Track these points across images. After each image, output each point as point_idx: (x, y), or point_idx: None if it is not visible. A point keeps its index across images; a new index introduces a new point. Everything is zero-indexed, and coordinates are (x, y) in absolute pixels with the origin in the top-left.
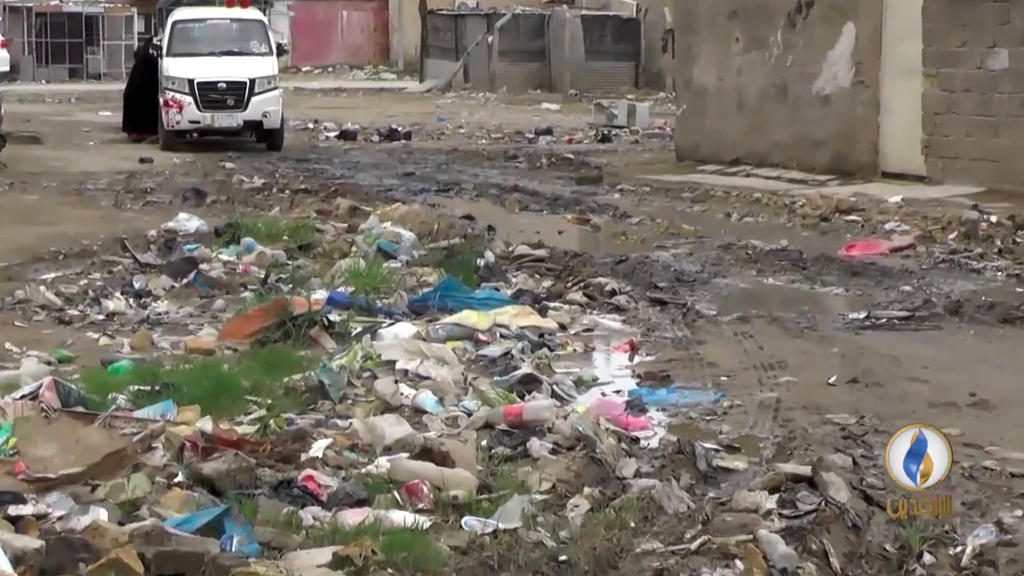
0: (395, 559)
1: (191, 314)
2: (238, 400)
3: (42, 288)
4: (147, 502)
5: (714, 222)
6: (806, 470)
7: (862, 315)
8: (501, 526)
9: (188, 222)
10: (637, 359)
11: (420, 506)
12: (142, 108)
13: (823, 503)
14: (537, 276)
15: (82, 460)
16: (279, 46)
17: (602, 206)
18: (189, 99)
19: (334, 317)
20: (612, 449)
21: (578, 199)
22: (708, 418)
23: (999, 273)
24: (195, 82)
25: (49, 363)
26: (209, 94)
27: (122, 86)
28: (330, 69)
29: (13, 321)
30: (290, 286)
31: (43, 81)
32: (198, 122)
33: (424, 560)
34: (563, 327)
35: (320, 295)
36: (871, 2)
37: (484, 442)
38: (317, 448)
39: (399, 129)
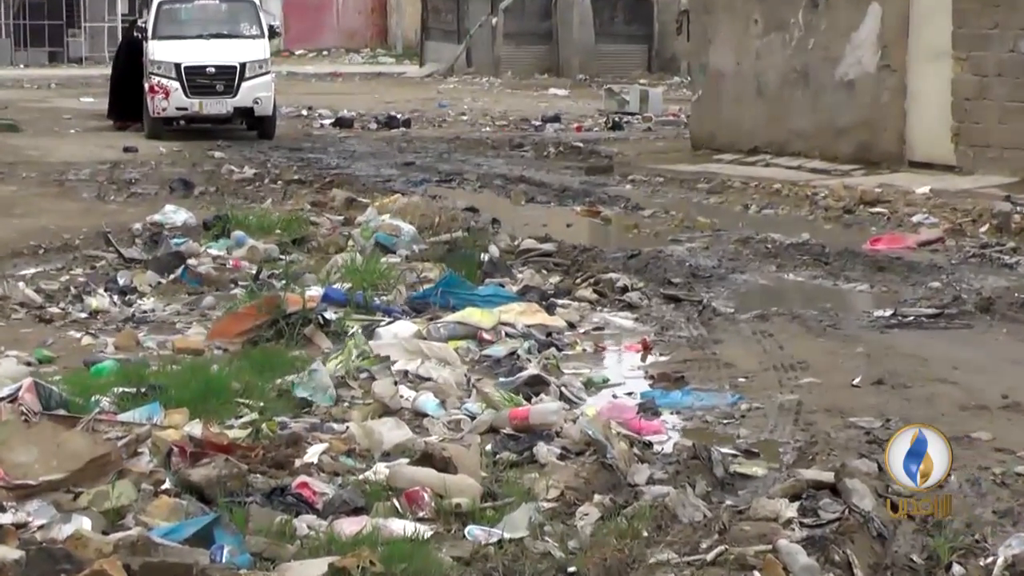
0: (394, 571)
1: (178, 312)
2: (228, 403)
3: (21, 285)
4: (133, 510)
5: (731, 214)
6: (829, 476)
7: (888, 313)
8: (506, 536)
9: (175, 215)
10: (650, 359)
11: (421, 515)
12: (126, 94)
13: (847, 511)
14: (544, 272)
15: (64, 466)
16: (271, 28)
17: (613, 198)
18: (176, 84)
19: (330, 315)
20: (624, 454)
21: (587, 190)
22: (725, 422)
23: None
24: (182, 66)
25: (29, 364)
26: (197, 79)
27: (105, 71)
28: (325, 53)
29: None
30: (283, 282)
31: (21, 65)
32: (185, 109)
33: (425, 572)
34: (572, 326)
35: (315, 292)
36: None
37: (488, 447)
38: (312, 453)
39: (398, 116)
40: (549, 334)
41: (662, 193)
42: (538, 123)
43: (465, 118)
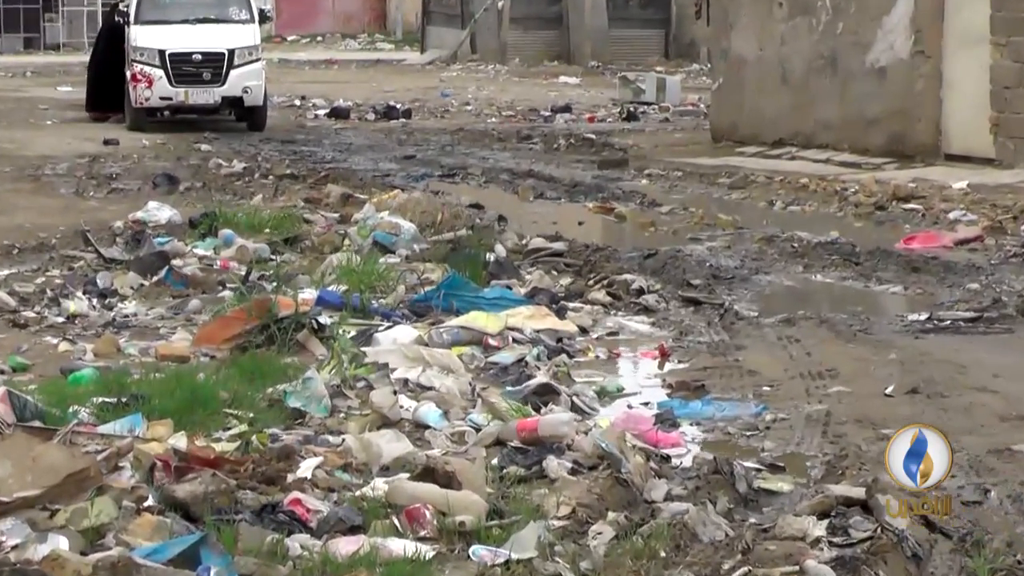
0: None
1: (162, 316)
2: (216, 414)
3: None
4: (113, 529)
5: (755, 211)
6: (860, 492)
7: (923, 316)
8: (514, 556)
9: (159, 212)
10: (668, 367)
11: (422, 533)
12: (107, 83)
13: (879, 530)
14: (554, 273)
15: (39, 482)
16: (262, 12)
17: (628, 193)
18: (160, 72)
19: (324, 319)
20: (639, 469)
21: (600, 185)
22: (748, 434)
23: None
24: (166, 53)
25: (2, 372)
26: (182, 67)
27: (84, 58)
28: (319, 38)
29: None
30: (274, 284)
31: None
32: (170, 98)
33: None
34: (584, 330)
35: (308, 295)
36: None
37: (494, 461)
38: (305, 468)
39: (397, 106)
40: (559, 340)
41: (680, 188)
42: (547, 113)
43: (469, 108)
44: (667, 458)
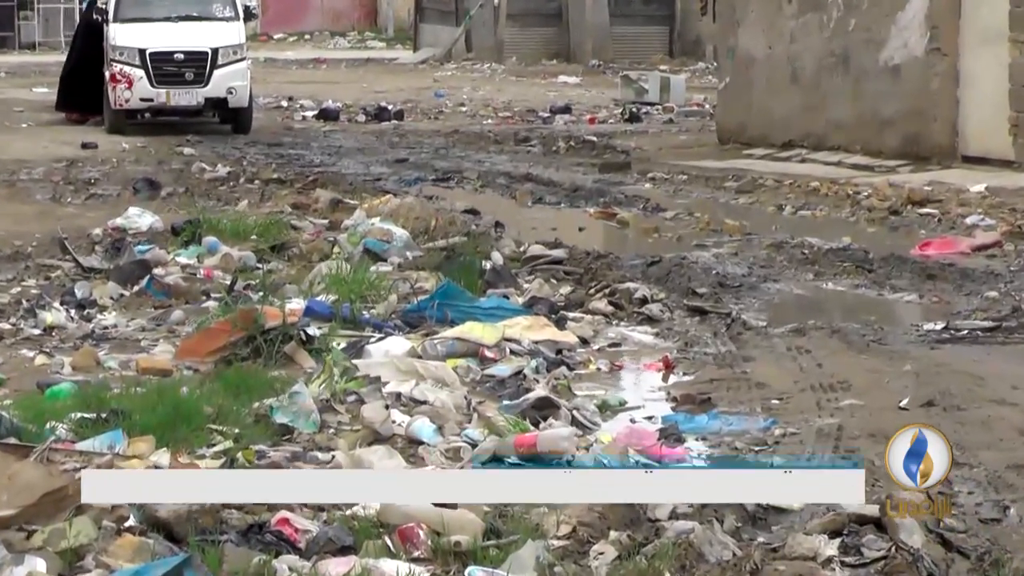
0: None
1: (143, 328)
2: (199, 430)
3: None
4: (93, 550)
5: (763, 216)
6: (873, 510)
7: (939, 326)
8: None
9: (139, 219)
10: (673, 379)
11: (416, 554)
12: (85, 83)
13: (893, 549)
14: (554, 281)
15: (16, 501)
16: (247, 9)
17: (630, 198)
18: (140, 72)
19: (313, 331)
20: None
21: (602, 190)
22: (757, 449)
23: None
24: (147, 52)
25: None
26: (164, 66)
27: (61, 58)
28: (307, 36)
29: None
30: (260, 294)
31: None
32: (151, 100)
33: None
34: (585, 341)
35: (296, 305)
36: None
37: None
38: None
39: (389, 107)
40: (559, 351)
41: (685, 192)
42: (546, 115)
43: (464, 109)
44: None
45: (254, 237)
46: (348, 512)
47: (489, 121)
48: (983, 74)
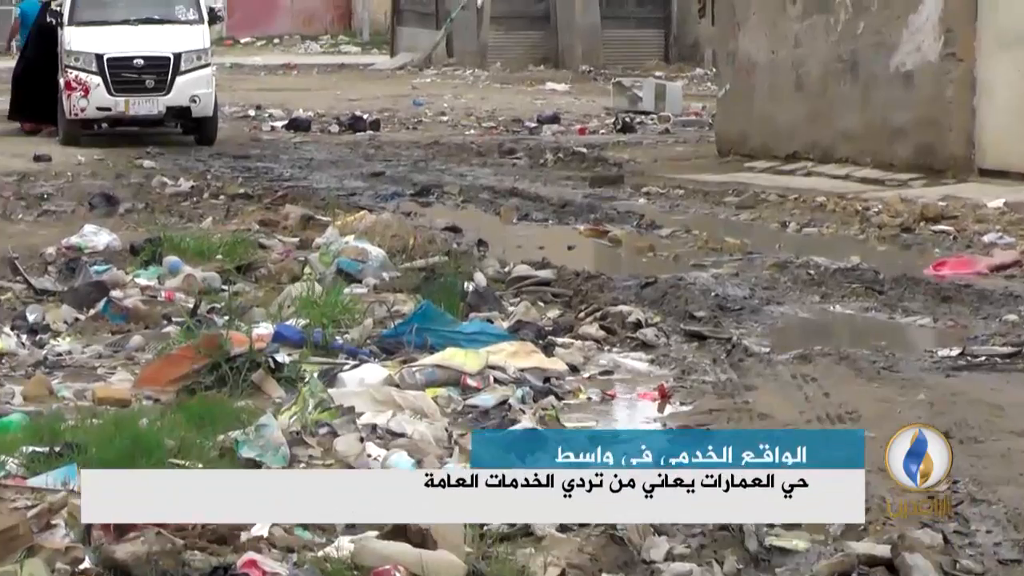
0: None
1: (100, 354)
2: (160, 464)
3: None
4: None
5: (766, 234)
6: (885, 550)
7: (955, 352)
8: None
9: (96, 237)
10: (669, 409)
11: None
12: (37, 91)
13: None
14: (541, 304)
15: None
16: (212, 12)
17: (623, 214)
18: (97, 80)
19: (282, 358)
20: (637, 525)
21: (593, 205)
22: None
23: None
24: (105, 58)
25: None
26: (122, 73)
27: (11, 63)
28: (276, 41)
29: None
30: (226, 318)
31: None
32: (109, 109)
33: None
34: (574, 369)
35: (264, 330)
36: None
37: None
38: (261, 525)
39: (364, 117)
40: (547, 379)
41: (682, 208)
42: (533, 124)
43: (445, 119)
44: None
45: (219, 257)
46: (320, 554)
47: (472, 131)
48: (1001, 81)
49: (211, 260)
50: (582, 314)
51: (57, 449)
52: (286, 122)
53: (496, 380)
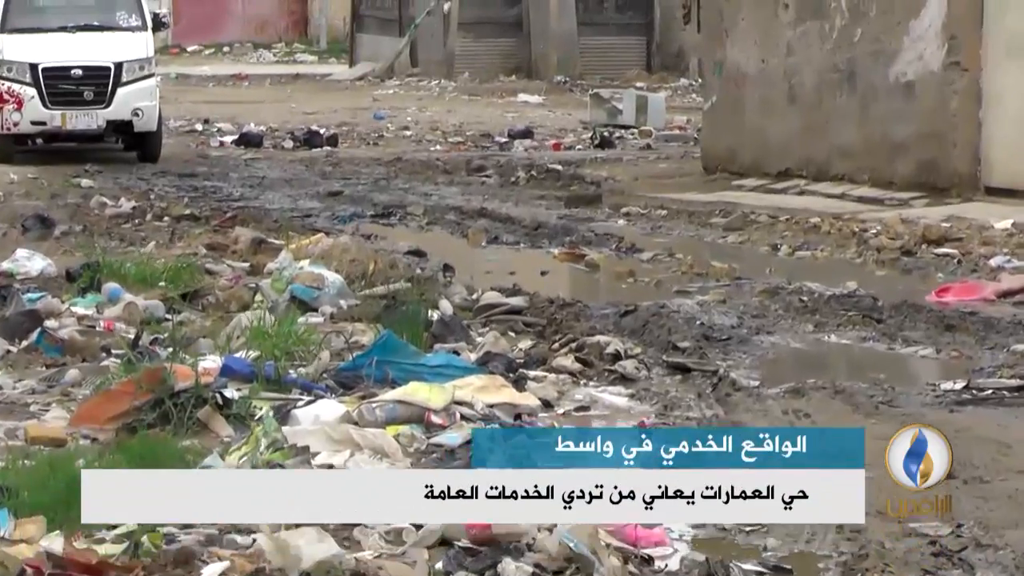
0: None
1: (33, 389)
2: None
3: None
4: None
5: (756, 258)
6: None
7: (959, 385)
8: None
9: (29, 262)
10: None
11: None
12: None
13: None
14: (512, 334)
15: None
16: (156, 18)
17: (601, 237)
18: (31, 91)
19: (231, 393)
20: (616, 573)
21: (568, 227)
22: (748, 529)
23: None
24: (40, 68)
25: None
26: (59, 84)
27: None
28: (226, 49)
29: None
30: (170, 350)
31: None
32: (44, 123)
33: None
34: (548, 404)
35: (211, 363)
36: None
37: (439, 565)
38: (209, 574)
39: (321, 131)
40: (518, 416)
41: (665, 230)
42: (504, 139)
43: (409, 133)
44: (649, 559)
45: (162, 283)
46: None
47: (437, 147)
48: (1009, 92)
49: (154, 287)
50: (556, 345)
51: None
52: (236, 137)
53: (463, 417)
